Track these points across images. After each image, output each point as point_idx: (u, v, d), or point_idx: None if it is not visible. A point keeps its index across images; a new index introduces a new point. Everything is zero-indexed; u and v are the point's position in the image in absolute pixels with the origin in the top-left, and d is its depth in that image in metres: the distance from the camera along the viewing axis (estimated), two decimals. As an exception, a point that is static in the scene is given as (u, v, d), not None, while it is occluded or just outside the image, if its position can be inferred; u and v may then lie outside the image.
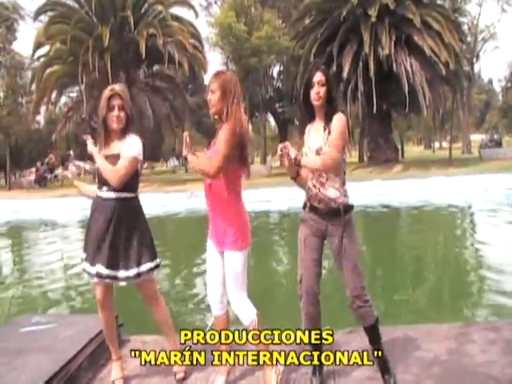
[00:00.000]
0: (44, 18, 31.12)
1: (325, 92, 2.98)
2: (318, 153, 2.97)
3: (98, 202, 3.22)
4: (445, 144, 61.91)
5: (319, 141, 3.00)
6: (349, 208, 3.00)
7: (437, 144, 66.29)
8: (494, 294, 6.29)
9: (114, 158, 3.15)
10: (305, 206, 3.09)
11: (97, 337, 3.65)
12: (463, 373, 3.10)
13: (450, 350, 3.43)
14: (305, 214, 3.07)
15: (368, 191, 16.71)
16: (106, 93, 3.18)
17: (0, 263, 11.57)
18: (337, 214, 2.96)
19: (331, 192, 2.98)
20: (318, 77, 2.98)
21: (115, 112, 3.15)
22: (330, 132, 2.95)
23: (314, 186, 3.03)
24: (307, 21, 31.62)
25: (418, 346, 3.51)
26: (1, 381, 2.94)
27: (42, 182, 36.17)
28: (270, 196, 17.44)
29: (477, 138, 51.40)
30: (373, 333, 3.07)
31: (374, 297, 3.09)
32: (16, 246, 13.99)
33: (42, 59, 31.01)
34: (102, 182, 3.19)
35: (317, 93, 2.97)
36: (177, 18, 30.35)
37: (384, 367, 3.05)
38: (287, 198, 16.09)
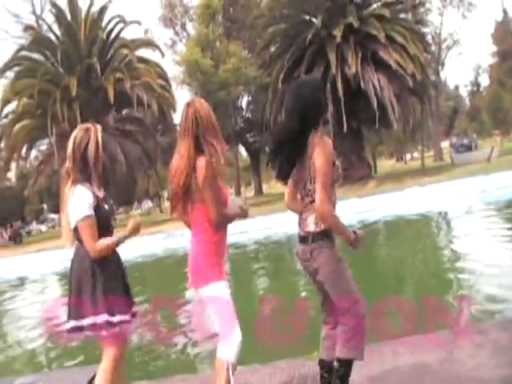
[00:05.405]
0: (10, 74, 31.15)
1: None
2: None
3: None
4: (416, 154, 62.78)
5: None
6: None
7: (408, 156, 67.23)
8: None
9: None
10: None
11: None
12: (455, 379, 3.12)
13: (439, 358, 3.45)
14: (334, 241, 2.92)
15: (347, 210, 16.69)
16: (94, 132, 2.88)
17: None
18: None
19: None
20: None
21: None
22: None
23: None
24: (273, 48, 32.10)
25: (407, 359, 3.52)
26: None
27: (17, 239, 35.64)
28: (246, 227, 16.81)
29: (447, 144, 52.20)
30: None
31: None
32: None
33: (10, 116, 30.85)
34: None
35: None
36: (143, 60, 30.61)
37: None
38: (265, 227, 16.74)
